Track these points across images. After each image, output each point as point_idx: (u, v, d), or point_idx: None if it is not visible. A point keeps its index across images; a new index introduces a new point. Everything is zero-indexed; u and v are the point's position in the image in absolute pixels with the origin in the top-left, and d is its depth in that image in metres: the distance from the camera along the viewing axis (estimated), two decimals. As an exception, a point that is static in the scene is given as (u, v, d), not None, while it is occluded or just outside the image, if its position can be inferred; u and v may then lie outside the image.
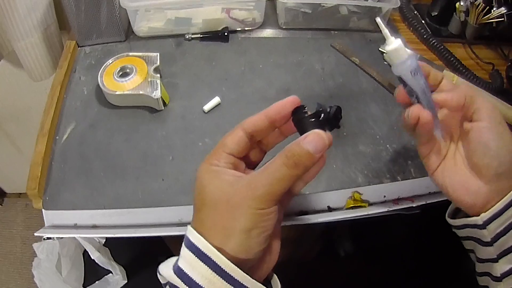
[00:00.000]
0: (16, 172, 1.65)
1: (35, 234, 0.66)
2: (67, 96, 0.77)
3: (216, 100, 0.75)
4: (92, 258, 0.82)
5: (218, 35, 0.86)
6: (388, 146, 0.72)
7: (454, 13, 0.92)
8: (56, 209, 0.65)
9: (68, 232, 0.66)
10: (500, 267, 0.49)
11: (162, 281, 0.43)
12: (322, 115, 0.44)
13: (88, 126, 0.73)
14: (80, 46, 0.86)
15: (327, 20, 0.90)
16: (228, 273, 0.39)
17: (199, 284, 0.39)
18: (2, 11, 0.81)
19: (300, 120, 0.45)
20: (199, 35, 0.87)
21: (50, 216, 0.66)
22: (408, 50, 0.47)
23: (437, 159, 0.54)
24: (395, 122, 0.74)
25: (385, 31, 0.47)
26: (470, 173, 0.51)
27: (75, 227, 0.66)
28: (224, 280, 0.39)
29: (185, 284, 0.39)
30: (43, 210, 0.65)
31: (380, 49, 0.88)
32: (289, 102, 0.45)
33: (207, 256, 0.39)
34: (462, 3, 0.89)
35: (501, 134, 0.48)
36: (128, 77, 0.73)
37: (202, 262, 0.39)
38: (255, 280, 0.41)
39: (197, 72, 0.81)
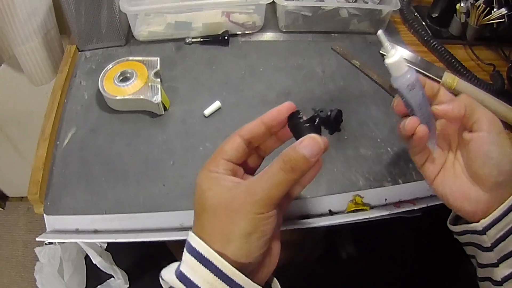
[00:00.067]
0: (18, 175, 1.65)
1: (37, 239, 0.66)
2: (67, 100, 0.77)
3: (216, 104, 0.75)
4: (94, 262, 0.81)
5: (218, 39, 0.86)
6: (389, 149, 0.72)
7: (455, 15, 0.92)
8: (58, 214, 0.65)
9: (69, 237, 0.66)
10: (500, 272, 0.50)
11: (165, 286, 0.44)
12: (317, 120, 0.46)
13: (89, 130, 0.73)
14: (81, 51, 0.86)
15: (327, 23, 0.90)
16: (230, 277, 0.40)
17: None
18: (2, 15, 0.81)
19: (295, 125, 0.46)
20: (199, 39, 0.87)
21: (51, 221, 0.66)
22: (407, 64, 0.48)
23: (435, 169, 0.54)
24: (396, 125, 0.74)
25: (386, 44, 0.47)
26: (470, 182, 0.51)
27: (77, 232, 0.66)
28: (226, 284, 0.40)
29: None
30: (44, 215, 0.65)
31: (380, 51, 0.88)
32: (284, 108, 0.47)
33: (209, 260, 0.40)
34: (462, 5, 0.89)
35: (501, 144, 0.48)
36: (129, 82, 0.73)
37: (204, 266, 0.40)
38: (256, 283, 0.41)
39: (198, 76, 0.81)
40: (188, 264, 0.41)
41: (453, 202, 0.52)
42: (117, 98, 0.71)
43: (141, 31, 0.86)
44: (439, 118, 0.51)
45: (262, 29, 0.91)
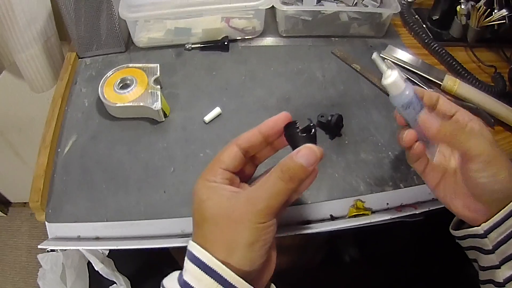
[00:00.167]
0: (20, 181, 1.66)
1: (39, 246, 0.66)
2: (68, 108, 0.77)
3: (216, 110, 0.75)
4: (96, 269, 0.81)
5: (218, 45, 0.86)
6: (390, 153, 0.71)
7: (455, 17, 0.91)
8: (59, 222, 0.65)
9: (71, 244, 0.66)
10: (502, 273, 0.50)
11: None
12: (313, 129, 0.47)
13: (90, 138, 0.73)
14: (81, 58, 0.86)
15: (327, 27, 0.90)
16: (234, 285, 0.41)
17: None
18: (2, 23, 0.82)
19: (292, 135, 0.48)
20: (199, 45, 0.86)
21: (53, 228, 0.66)
22: (405, 83, 0.49)
23: (436, 175, 0.55)
24: (397, 129, 0.74)
25: (382, 66, 0.49)
26: (469, 192, 0.51)
27: (79, 239, 0.66)
28: None
29: None
30: (46, 222, 0.65)
31: (381, 55, 0.87)
32: (281, 118, 0.48)
33: (212, 269, 0.41)
34: (463, 6, 0.88)
35: (490, 169, 0.47)
36: (129, 89, 0.73)
37: (208, 275, 0.41)
38: None
39: (198, 82, 0.81)
40: (191, 273, 0.42)
41: (454, 209, 0.53)
42: (117, 105, 0.71)
43: (141, 37, 0.86)
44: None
45: (262, 34, 0.91)
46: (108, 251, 0.86)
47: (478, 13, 0.85)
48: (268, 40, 0.91)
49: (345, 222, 0.66)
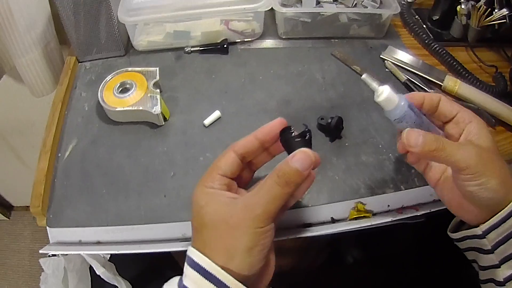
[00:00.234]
0: (22, 185, 1.66)
1: (40, 251, 0.66)
2: (68, 112, 0.77)
3: (216, 114, 0.74)
4: (97, 273, 0.81)
5: (217, 48, 0.86)
6: (390, 155, 0.71)
7: (456, 17, 0.91)
8: (60, 227, 0.65)
9: (73, 249, 0.67)
10: (502, 273, 0.50)
11: None
12: (308, 134, 0.49)
13: (90, 142, 0.73)
14: (81, 62, 0.86)
15: (327, 28, 0.90)
16: None
17: None
18: (1, 28, 0.82)
19: (287, 141, 0.49)
20: (198, 48, 0.87)
21: (54, 233, 0.66)
22: (398, 96, 0.49)
23: (436, 174, 0.55)
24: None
25: (373, 85, 0.49)
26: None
27: (80, 243, 0.67)
28: None
29: None
30: (47, 227, 0.65)
31: (381, 56, 0.87)
32: (277, 124, 0.50)
33: (212, 274, 0.42)
34: (463, 6, 0.88)
35: (480, 183, 0.47)
36: (128, 93, 0.73)
37: (208, 280, 0.42)
38: None
39: (197, 86, 0.81)
40: (191, 278, 0.42)
41: (450, 208, 0.54)
42: (117, 109, 0.71)
43: (140, 41, 0.86)
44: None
45: (262, 36, 0.91)
46: (109, 255, 0.86)
47: (478, 12, 0.85)
48: (268, 43, 0.91)
49: (346, 225, 0.66)
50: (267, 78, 0.83)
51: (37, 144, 0.73)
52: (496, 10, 0.84)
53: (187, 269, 0.43)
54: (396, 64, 0.85)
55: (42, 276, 1.03)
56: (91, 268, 0.98)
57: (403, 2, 0.97)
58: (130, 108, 0.71)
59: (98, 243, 0.67)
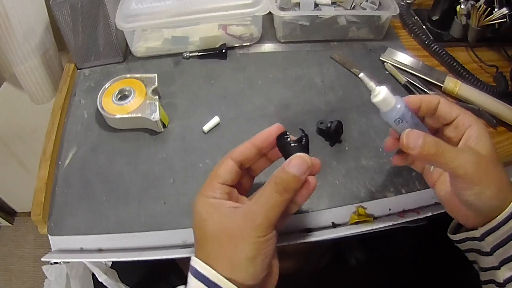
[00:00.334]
0: (25, 191, 1.66)
1: (42, 259, 0.66)
2: (67, 120, 0.77)
3: (215, 120, 0.74)
4: (100, 280, 0.81)
5: (216, 53, 0.86)
6: (391, 158, 0.70)
7: (455, 17, 0.91)
8: (61, 235, 0.65)
9: (74, 256, 0.67)
10: (502, 274, 0.50)
11: None
12: (304, 139, 0.49)
13: (90, 149, 0.73)
14: (79, 69, 0.86)
15: (325, 31, 0.89)
16: None
17: None
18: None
19: (283, 146, 0.49)
20: (197, 53, 0.86)
21: (56, 241, 0.66)
22: (395, 98, 0.48)
23: (435, 173, 0.55)
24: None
25: (370, 84, 0.48)
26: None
27: (81, 251, 0.67)
28: None
29: None
30: (48, 235, 0.66)
31: (380, 58, 0.87)
32: (274, 130, 0.50)
33: (217, 285, 0.42)
34: (463, 6, 0.87)
35: (476, 192, 0.46)
36: (127, 100, 0.73)
37: None
38: None
39: (196, 91, 0.81)
40: None
41: (448, 209, 0.54)
42: (116, 117, 0.71)
43: (139, 47, 0.86)
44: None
45: (260, 40, 0.91)
46: (111, 262, 0.86)
47: (478, 12, 0.84)
48: (266, 47, 0.90)
49: (347, 230, 0.66)
50: (266, 82, 0.83)
51: (39, 150, 0.73)
52: (496, 9, 0.83)
53: (191, 279, 0.43)
54: (396, 66, 0.85)
55: (45, 282, 1.03)
56: (93, 275, 0.98)
57: (402, 3, 0.97)
58: (129, 116, 0.71)
59: (100, 250, 0.67)
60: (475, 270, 0.57)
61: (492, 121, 0.77)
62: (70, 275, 0.96)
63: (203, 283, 0.42)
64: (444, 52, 0.87)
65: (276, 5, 0.84)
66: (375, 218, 0.68)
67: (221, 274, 0.42)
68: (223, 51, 0.85)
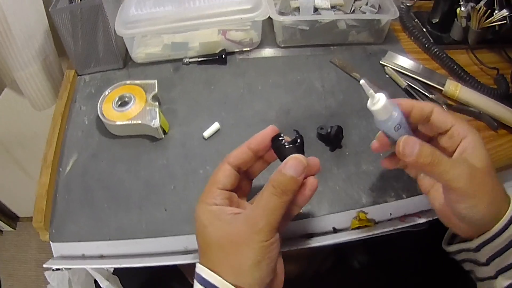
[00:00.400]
0: (27, 196, 1.66)
1: (44, 265, 0.67)
2: (68, 127, 0.78)
3: (215, 126, 0.74)
4: (102, 286, 0.82)
5: (215, 58, 0.86)
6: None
7: (455, 19, 0.90)
8: (63, 241, 0.65)
9: (76, 263, 0.67)
10: (499, 283, 0.50)
11: None
12: (298, 141, 0.49)
13: (90, 156, 0.73)
14: (80, 75, 0.86)
15: (325, 35, 0.89)
16: None
17: None
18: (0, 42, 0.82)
19: (278, 148, 0.49)
20: (196, 59, 0.86)
21: (57, 247, 0.66)
22: (392, 105, 0.49)
23: (428, 182, 0.55)
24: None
25: (370, 91, 0.48)
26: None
27: (83, 257, 0.67)
28: None
29: None
30: (50, 242, 0.66)
31: (381, 62, 0.86)
32: (268, 132, 0.50)
33: None
34: (463, 8, 0.87)
35: (470, 206, 0.46)
36: (127, 106, 0.73)
37: None
38: None
39: (196, 97, 0.81)
40: None
41: (441, 218, 0.54)
42: (117, 123, 0.71)
43: (139, 53, 0.86)
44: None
45: (260, 45, 0.90)
46: (113, 269, 0.86)
47: (478, 14, 0.84)
48: (266, 52, 0.90)
49: (348, 235, 0.66)
50: (266, 87, 0.82)
51: (40, 155, 0.73)
52: (496, 11, 0.83)
53: (197, 286, 0.44)
54: (396, 69, 0.84)
55: (48, 288, 1.03)
56: (95, 281, 0.98)
57: (402, 6, 0.97)
58: (129, 122, 0.71)
59: (101, 256, 0.67)
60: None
61: (493, 123, 0.76)
62: (72, 281, 0.96)
63: None
64: (444, 55, 0.87)
65: (276, 10, 0.84)
66: (376, 223, 0.67)
67: (226, 281, 0.42)
68: (223, 56, 0.85)
